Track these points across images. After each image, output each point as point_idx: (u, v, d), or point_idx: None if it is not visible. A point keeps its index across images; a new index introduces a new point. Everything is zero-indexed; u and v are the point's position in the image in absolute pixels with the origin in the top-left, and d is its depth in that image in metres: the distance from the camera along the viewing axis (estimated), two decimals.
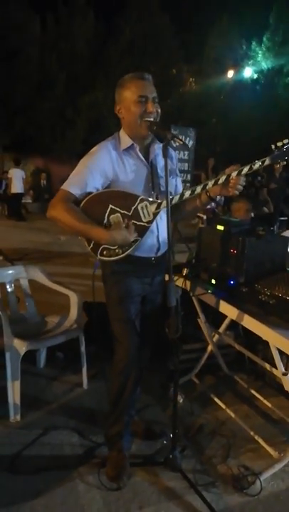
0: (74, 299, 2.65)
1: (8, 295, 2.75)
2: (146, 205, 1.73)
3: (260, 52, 17.99)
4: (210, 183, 1.76)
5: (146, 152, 1.83)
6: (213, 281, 2.24)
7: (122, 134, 1.82)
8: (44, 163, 15.20)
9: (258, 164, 1.68)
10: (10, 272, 2.76)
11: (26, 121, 14.03)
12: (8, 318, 2.34)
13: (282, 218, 8.81)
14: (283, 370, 1.91)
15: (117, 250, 1.72)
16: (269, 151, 1.69)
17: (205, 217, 7.27)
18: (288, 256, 2.27)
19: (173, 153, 1.95)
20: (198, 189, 1.77)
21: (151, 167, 1.82)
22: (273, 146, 1.68)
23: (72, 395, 2.59)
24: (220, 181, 1.74)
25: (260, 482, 1.89)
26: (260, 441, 2.15)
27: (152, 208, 1.73)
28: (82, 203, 1.73)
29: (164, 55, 15.58)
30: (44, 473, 1.92)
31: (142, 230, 1.74)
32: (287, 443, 2.18)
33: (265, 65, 17.88)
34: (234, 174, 1.71)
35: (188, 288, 2.32)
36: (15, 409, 2.28)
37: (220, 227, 2.28)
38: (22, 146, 13.88)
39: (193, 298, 2.41)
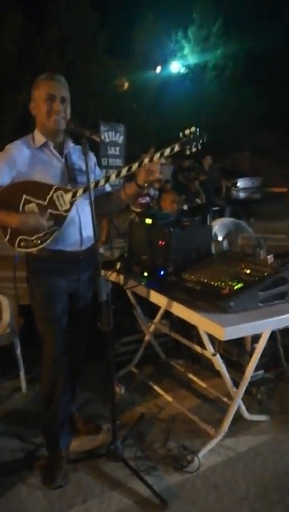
0: (5, 303, 2.58)
1: None
2: (61, 194, 1.75)
3: (186, 46, 18.50)
4: (123, 170, 1.82)
5: (60, 149, 1.87)
6: (145, 274, 2.31)
7: (36, 132, 1.86)
8: None
9: (168, 150, 1.77)
10: None
11: None
12: None
13: (214, 208, 9.17)
14: (212, 351, 2.02)
15: (34, 241, 1.73)
16: (178, 138, 1.79)
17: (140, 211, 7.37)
18: (212, 242, 2.41)
19: (90, 152, 1.97)
20: (113, 176, 1.82)
21: (66, 163, 1.85)
22: (181, 134, 1.79)
23: (11, 400, 2.53)
24: (133, 168, 1.81)
25: (198, 459, 2.00)
26: (197, 420, 2.26)
27: (68, 197, 1.75)
28: None
29: (91, 51, 15.40)
30: None
31: (60, 219, 1.75)
32: (222, 420, 2.32)
33: (191, 59, 18.43)
34: (146, 161, 1.79)
35: (121, 282, 2.37)
36: None
37: (148, 221, 2.35)
38: None
39: (128, 291, 2.46)
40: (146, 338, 2.78)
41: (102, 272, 2.32)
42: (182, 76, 18.79)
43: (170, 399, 2.49)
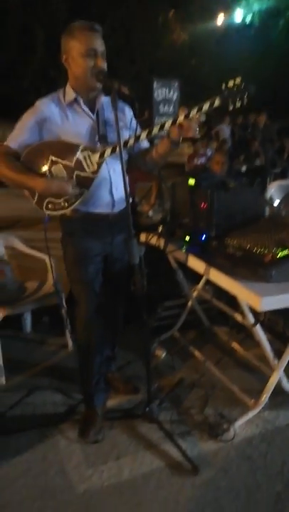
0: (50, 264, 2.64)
1: None
2: (88, 155, 1.66)
3: None
4: (155, 129, 1.66)
5: (92, 105, 1.75)
6: (187, 238, 2.21)
7: (68, 87, 1.75)
8: None
9: (207, 105, 1.59)
10: None
11: (9, 87, 13.46)
12: None
13: (275, 170, 8.57)
14: (252, 321, 1.92)
15: (62, 203, 1.68)
16: (219, 91, 1.58)
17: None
18: (264, 204, 2.23)
19: (126, 106, 1.85)
20: (143, 135, 1.69)
21: (98, 120, 1.74)
22: (223, 86, 1.57)
23: (57, 357, 2.65)
24: (166, 126, 1.65)
25: (235, 429, 1.96)
26: (237, 390, 2.20)
27: (95, 158, 1.66)
28: (23, 155, 1.70)
29: (149, 2, 14.61)
30: (26, 432, 1.99)
31: (88, 182, 1.68)
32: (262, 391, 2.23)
33: (257, 6, 16.77)
34: (181, 118, 1.62)
35: (162, 246, 2.29)
36: None
37: (191, 182, 2.22)
38: (7, 112, 13.43)
39: (169, 255, 2.39)
40: (190, 303, 2.72)
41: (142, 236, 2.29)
42: (247, 26, 17.23)
43: (211, 366, 2.44)
